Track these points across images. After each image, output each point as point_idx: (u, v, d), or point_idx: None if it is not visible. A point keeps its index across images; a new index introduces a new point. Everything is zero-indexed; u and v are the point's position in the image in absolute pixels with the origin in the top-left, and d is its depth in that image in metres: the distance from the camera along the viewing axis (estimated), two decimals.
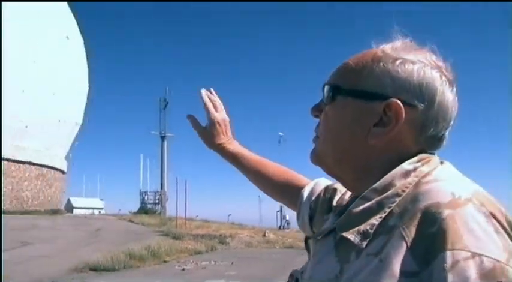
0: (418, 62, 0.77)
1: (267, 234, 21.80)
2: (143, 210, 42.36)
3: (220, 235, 19.95)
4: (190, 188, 27.26)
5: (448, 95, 0.77)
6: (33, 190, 34.64)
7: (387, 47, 0.80)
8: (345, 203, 0.92)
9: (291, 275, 0.92)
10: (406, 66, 0.76)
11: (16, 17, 31.92)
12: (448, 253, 0.61)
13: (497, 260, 0.60)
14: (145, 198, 45.86)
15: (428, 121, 0.76)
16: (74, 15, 41.35)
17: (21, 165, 33.49)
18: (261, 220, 34.97)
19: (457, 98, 0.79)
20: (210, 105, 1.33)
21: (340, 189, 1.00)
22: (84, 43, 41.85)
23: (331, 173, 0.86)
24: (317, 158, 0.85)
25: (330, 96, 0.81)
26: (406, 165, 0.75)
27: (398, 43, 0.80)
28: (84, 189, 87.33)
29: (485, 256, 0.60)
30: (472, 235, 0.62)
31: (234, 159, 1.32)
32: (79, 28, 41.59)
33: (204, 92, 1.35)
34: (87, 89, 41.60)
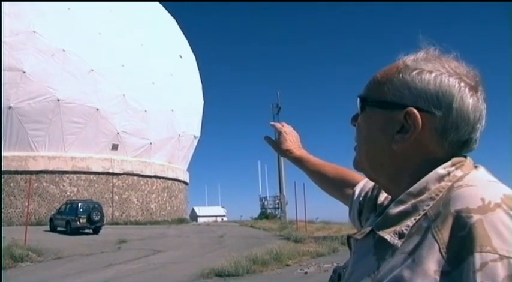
0: (435, 71, 0.81)
1: None
2: (263, 215, 43.07)
3: (342, 236, 19.43)
4: (309, 191, 26.94)
5: (467, 101, 0.79)
6: (160, 202, 36.98)
7: (409, 59, 0.85)
8: (386, 203, 1.00)
9: (334, 271, 0.95)
10: (423, 76, 0.81)
11: (134, 41, 34.36)
12: (477, 255, 0.65)
13: None
14: (265, 203, 46.65)
15: (448, 126, 0.79)
16: (184, 34, 43.76)
17: (148, 179, 35.96)
18: None
19: (483, 101, 0.82)
20: (276, 123, 1.57)
21: None
22: (196, 60, 44.12)
23: (370, 177, 0.93)
24: (357, 165, 0.92)
25: (360, 107, 0.89)
26: (440, 170, 0.79)
27: (420, 54, 0.85)
28: (206, 198, 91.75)
29: None
30: (500, 239, 0.65)
31: (299, 162, 1.47)
32: (190, 46, 43.91)
33: (272, 122, 1.63)
34: (202, 103, 43.64)
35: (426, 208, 0.76)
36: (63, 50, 31.77)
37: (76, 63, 31.88)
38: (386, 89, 0.84)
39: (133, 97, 33.89)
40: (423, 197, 0.77)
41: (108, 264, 13.41)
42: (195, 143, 42.78)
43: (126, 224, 31.44)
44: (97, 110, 32.19)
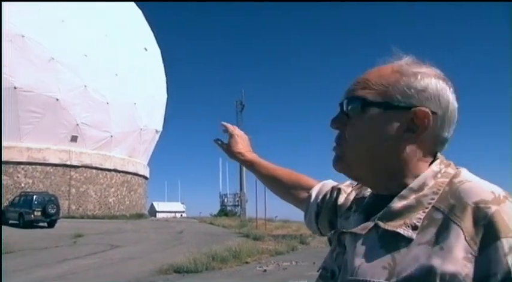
0: (432, 76, 0.87)
1: None
2: (223, 212, 43.09)
3: (301, 235, 19.67)
4: (266, 189, 27.05)
5: (455, 103, 0.88)
6: (118, 196, 36.38)
7: (402, 63, 0.90)
8: (348, 204, 1.07)
9: (325, 268, 0.95)
10: (426, 80, 0.87)
11: (98, 31, 33.61)
12: (504, 240, 0.73)
13: None
14: (225, 200, 46.69)
15: (444, 126, 0.87)
16: (150, 27, 43.10)
17: (107, 172, 35.31)
18: None
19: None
20: (228, 125, 1.58)
21: (345, 189, 1.13)
22: (161, 53, 43.52)
23: (355, 177, 0.95)
24: (345, 165, 0.92)
25: (358, 108, 0.89)
26: (435, 167, 0.86)
27: (408, 59, 0.90)
28: (166, 194, 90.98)
29: None
30: None
31: (251, 165, 1.48)
32: (156, 39, 43.28)
33: (223, 122, 1.60)
34: (165, 97, 43.12)
35: (431, 201, 0.82)
36: (23, 36, 30.70)
37: (36, 50, 30.86)
38: (391, 90, 0.87)
39: (95, 88, 33.15)
40: (425, 191, 0.83)
41: (62, 259, 13.09)
42: (157, 138, 42.30)
43: (82, 217, 30.76)
44: (57, 100, 31.29)
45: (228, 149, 1.54)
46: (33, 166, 31.31)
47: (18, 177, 30.91)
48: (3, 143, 29.93)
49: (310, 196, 1.23)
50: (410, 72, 0.88)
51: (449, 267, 0.74)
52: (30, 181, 31.13)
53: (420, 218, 0.81)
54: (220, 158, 52.61)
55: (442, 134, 0.87)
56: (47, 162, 31.67)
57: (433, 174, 0.85)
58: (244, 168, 39.10)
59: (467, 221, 0.76)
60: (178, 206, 67.21)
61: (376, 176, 0.91)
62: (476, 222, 0.76)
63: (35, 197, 23.91)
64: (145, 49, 39.22)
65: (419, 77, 0.87)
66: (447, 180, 0.84)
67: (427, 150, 0.88)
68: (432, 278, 0.75)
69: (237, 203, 43.13)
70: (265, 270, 11.21)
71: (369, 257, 0.83)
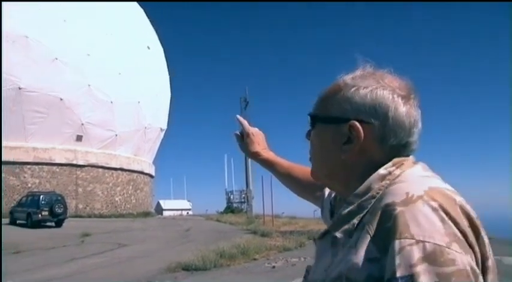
0: (370, 86, 0.91)
1: None
2: (229, 209, 43.02)
3: (309, 231, 19.60)
4: (275, 186, 27.05)
5: (401, 109, 0.90)
6: (125, 195, 36.44)
7: (347, 78, 0.95)
8: None
9: (306, 270, 1.03)
10: (361, 92, 0.91)
11: (101, 31, 33.59)
12: (397, 242, 0.74)
13: (438, 244, 0.73)
14: (231, 197, 46.57)
15: (387, 133, 0.89)
16: (153, 25, 43.06)
17: (113, 171, 35.36)
18: None
19: (416, 108, 0.93)
20: (244, 121, 1.57)
21: None
22: (164, 52, 43.51)
23: (326, 185, 1.07)
24: (313, 175, 1.03)
25: (311, 124, 1.00)
26: (382, 170, 0.88)
27: (358, 72, 0.96)
28: (172, 192, 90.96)
29: (427, 242, 0.73)
30: (417, 226, 0.75)
31: (268, 165, 1.52)
32: (158, 37, 43.24)
33: (239, 116, 1.60)
34: (169, 95, 43.15)
35: (369, 206, 0.85)
36: (26, 37, 30.73)
37: (39, 50, 30.89)
38: (331, 105, 0.95)
39: (99, 87, 33.17)
40: (367, 196, 0.87)
41: (71, 258, 13.09)
42: (162, 136, 42.33)
43: (90, 217, 30.84)
44: (61, 99, 31.33)
45: (245, 148, 1.56)
46: (40, 166, 31.39)
47: (25, 177, 31.01)
48: (10, 144, 30.03)
49: (324, 194, 1.27)
50: (349, 87, 0.93)
51: (352, 270, 0.79)
52: (37, 181, 31.22)
53: (354, 223, 0.86)
54: (226, 155, 52.61)
55: (388, 141, 0.90)
56: (53, 162, 31.75)
57: (378, 178, 0.88)
58: (250, 165, 39.21)
59: (375, 224, 0.80)
60: (184, 204, 67.23)
61: (335, 184, 0.99)
62: (381, 225, 0.79)
63: (42, 196, 23.95)
64: (148, 48, 39.20)
65: (354, 90, 0.92)
66: (389, 182, 0.87)
67: (375, 157, 0.91)
68: (338, 280, 0.81)
69: (243, 200, 43.06)
70: (273, 267, 11.14)
71: (321, 260, 0.93)
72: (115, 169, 35.40)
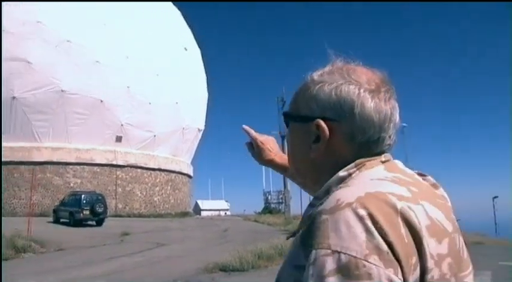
0: (335, 83, 0.89)
1: None
2: (267, 209, 42.96)
3: None
4: None
5: (368, 105, 0.86)
6: (163, 195, 36.87)
7: (316, 74, 0.93)
8: None
9: None
10: (325, 89, 0.89)
11: (139, 33, 34.13)
12: (314, 251, 0.72)
13: (354, 256, 0.69)
14: (269, 198, 46.53)
15: (355, 131, 0.86)
16: (189, 27, 43.47)
17: (152, 172, 35.84)
18: None
19: (387, 101, 0.88)
20: (250, 131, 1.50)
21: None
22: (201, 52, 43.83)
23: (300, 184, 1.07)
24: (287, 173, 1.07)
25: (285, 123, 0.99)
26: (341, 173, 0.86)
27: (327, 68, 0.93)
28: (210, 192, 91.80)
29: (343, 253, 0.70)
30: (337, 235, 0.71)
31: (283, 170, 1.45)
32: (195, 39, 43.61)
33: (244, 126, 1.54)
34: (206, 96, 43.41)
35: None
36: (68, 41, 31.58)
37: (81, 54, 31.68)
38: (300, 104, 0.93)
39: (138, 89, 33.70)
40: (324, 199, 0.81)
41: (110, 257, 13.27)
42: (199, 136, 42.62)
43: (129, 216, 31.37)
44: (101, 101, 32.02)
45: (257, 157, 1.50)
46: (82, 166, 32.17)
47: (67, 177, 31.85)
48: (54, 145, 30.98)
49: None
50: (314, 83, 0.91)
51: (282, 275, 0.80)
52: (79, 181, 32.01)
53: (305, 227, 0.81)
54: None
55: (356, 139, 0.87)
56: (94, 162, 32.48)
57: (337, 180, 0.85)
58: None
59: (304, 230, 0.77)
60: (222, 204, 67.64)
61: (308, 183, 0.98)
62: (308, 232, 0.76)
63: (83, 196, 24.50)
64: (185, 49, 39.56)
65: (318, 88, 0.90)
66: (343, 186, 0.84)
67: (343, 156, 0.88)
68: None
69: (281, 200, 42.90)
70: None
71: (286, 258, 0.89)
72: (153, 169, 35.88)
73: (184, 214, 36.86)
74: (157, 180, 36.42)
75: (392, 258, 0.71)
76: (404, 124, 47.82)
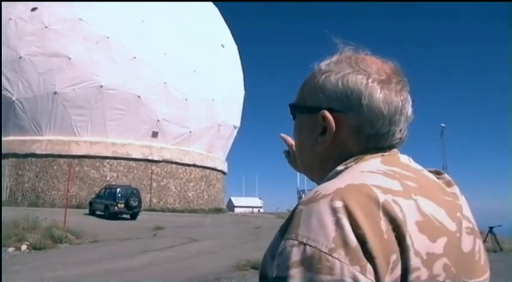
0: (342, 72, 0.85)
1: None
2: None
3: None
4: None
5: (376, 96, 0.82)
6: (197, 190, 37.06)
7: (323, 64, 0.90)
8: None
9: None
10: (331, 78, 0.85)
11: (176, 30, 34.37)
12: (283, 241, 0.71)
13: (318, 249, 0.67)
14: (302, 196, 46.08)
15: (362, 123, 0.83)
16: (227, 23, 43.50)
17: (187, 167, 36.06)
18: None
19: (398, 93, 0.84)
20: (287, 138, 1.40)
21: None
22: (238, 49, 43.79)
23: (309, 178, 0.99)
24: (295, 166, 1.04)
25: (291, 114, 0.95)
26: (340, 167, 0.83)
27: (334, 57, 0.90)
28: (243, 189, 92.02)
29: (309, 245, 0.68)
30: (306, 227, 0.70)
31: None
32: (232, 36, 43.60)
33: (282, 134, 1.54)
34: (243, 92, 43.36)
35: None
36: (107, 37, 32.11)
37: (119, 50, 32.16)
38: (306, 94, 0.90)
39: (175, 85, 33.94)
40: None
41: (144, 251, 13.33)
42: (235, 133, 42.61)
43: (163, 211, 31.66)
44: (138, 97, 32.41)
45: (293, 165, 1.42)
46: (118, 160, 32.67)
47: (104, 171, 32.42)
48: (92, 139, 31.60)
49: None
50: (321, 73, 0.87)
51: (264, 265, 0.77)
52: (115, 175, 32.53)
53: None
54: None
55: (364, 131, 0.83)
56: (130, 156, 32.93)
57: (334, 174, 0.83)
58: None
59: (285, 221, 0.76)
60: (255, 201, 67.67)
61: (314, 176, 0.94)
62: (285, 223, 0.75)
63: (118, 189, 24.83)
64: (222, 46, 39.59)
65: (325, 77, 0.86)
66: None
67: (350, 149, 0.85)
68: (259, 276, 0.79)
69: None
70: None
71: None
72: (188, 165, 36.08)
73: (218, 210, 36.94)
74: (192, 175, 36.62)
75: (361, 255, 0.67)
76: (443, 124, 46.45)
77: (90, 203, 26.18)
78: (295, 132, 0.95)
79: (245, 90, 43.80)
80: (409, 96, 0.86)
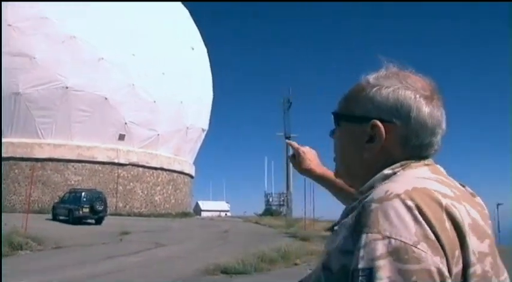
0: (393, 86, 0.93)
1: None
2: (268, 211, 42.57)
3: None
4: (315, 189, 26.38)
5: (423, 109, 0.91)
6: (164, 194, 36.58)
7: (371, 77, 0.97)
8: None
9: None
10: (383, 91, 0.93)
11: (146, 31, 33.91)
12: (364, 235, 0.77)
13: (404, 242, 0.75)
14: (270, 200, 46.18)
15: (409, 133, 0.91)
16: (197, 26, 43.19)
17: (154, 171, 35.55)
18: None
19: (439, 108, 0.94)
20: (293, 143, 1.61)
21: None
22: (208, 52, 43.53)
23: (349, 184, 1.08)
24: (336, 174, 1.06)
25: (334, 123, 1.02)
26: (386, 171, 0.91)
27: (381, 72, 0.97)
28: (211, 193, 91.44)
29: (393, 238, 0.75)
30: (387, 222, 0.77)
31: (321, 180, 1.53)
32: (202, 38, 43.32)
33: (287, 140, 1.74)
34: (211, 96, 43.13)
35: None
36: (74, 37, 31.36)
37: (86, 50, 31.46)
38: (354, 105, 0.96)
39: (143, 87, 33.45)
40: (368, 193, 0.86)
41: (109, 256, 12.95)
42: (203, 136, 42.32)
43: (129, 215, 31.07)
44: (105, 99, 31.76)
45: (298, 166, 1.57)
46: (82, 164, 31.90)
47: (68, 174, 31.59)
48: (55, 141, 30.70)
49: None
50: (371, 86, 0.94)
51: (330, 259, 0.83)
52: (79, 178, 31.74)
53: (352, 216, 0.85)
54: (266, 157, 52.38)
55: (410, 141, 0.91)
56: (96, 160, 32.21)
57: (382, 177, 0.89)
58: (291, 168, 38.58)
59: (353, 219, 0.81)
60: (222, 205, 67.31)
61: (355, 183, 0.99)
62: (357, 220, 0.80)
63: (83, 193, 24.24)
64: (192, 48, 39.28)
65: (376, 90, 0.93)
66: (388, 182, 0.88)
67: (395, 156, 0.92)
68: (320, 269, 0.86)
69: (282, 203, 42.57)
70: None
71: (326, 248, 0.93)
72: (155, 168, 35.59)
73: (185, 214, 36.55)
74: (159, 179, 36.12)
75: (440, 247, 0.76)
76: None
77: (53, 208, 25.38)
78: (339, 139, 1.01)
79: (214, 93, 43.61)
80: (444, 112, 0.95)
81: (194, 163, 42.80)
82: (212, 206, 64.65)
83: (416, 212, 0.77)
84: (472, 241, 0.81)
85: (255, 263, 10.74)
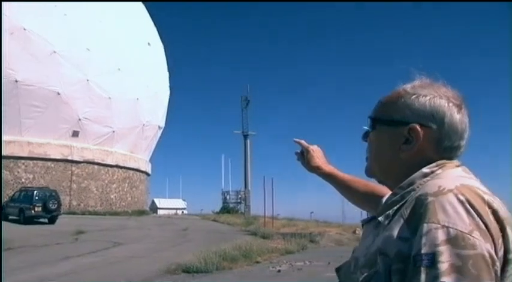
0: (429, 95, 1.06)
1: (357, 231, 20.51)
2: (225, 209, 42.45)
3: (310, 233, 19.12)
4: (274, 187, 26.54)
5: (455, 116, 1.04)
6: (120, 192, 35.81)
7: (408, 86, 1.10)
8: None
9: (353, 250, 1.15)
10: (420, 99, 1.05)
11: (101, 26, 33.04)
12: (425, 225, 0.88)
13: (460, 231, 0.85)
14: (227, 197, 46.03)
15: (442, 136, 1.03)
16: (154, 22, 42.46)
17: (109, 168, 34.73)
18: (344, 217, 33.30)
19: (466, 116, 1.06)
20: (302, 141, 1.71)
21: None
22: (164, 48, 42.87)
23: (381, 182, 1.18)
24: (369, 172, 1.17)
25: (371, 126, 1.13)
26: (425, 169, 1.02)
27: (417, 82, 1.10)
28: (167, 190, 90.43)
29: (452, 227, 0.86)
30: (444, 213, 0.88)
31: (329, 178, 1.62)
32: (159, 34, 42.63)
33: (296, 139, 1.74)
34: (168, 92, 42.54)
35: (408, 197, 0.98)
36: (24, 29, 30.09)
37: (38, 43, 30.25)
38: (392, 110, 1.08)
39: (98, 83, 32.55)
40: (409, 189, 0.99)
41: (64, 257, 12.53)
42: (159, 134, 41.71)
43: (84, 214, 30.21)
44: (58, 94, 30.69)
45: (307, 163, 1.66)
46: (34, 161, 30.72)
47: (18, 172, 30.34)
48: (5, 138, 29.35)
49: None
50: (409, 94, 1.06)
51: (386, 245, 0.92)
52: (31, 176, 30.55)
53: (395, 209, 0.98)
54: (223, 155, 52.07)
55: (443, 144, 1.03)
56: (48, 157, 31.09)
57: (421, 175, 1.01)
58: (249, 165, 38.68)
59: (408, 210, 0.93)
60: (179, 203, 66.65)
61: (388, 180, 1.12)
62: (414, 211, 0.92)
63: (35, 192, 23.38)
64: (149, 44, 38.59)
65: (414, 98, 1.05)
66: (429, 179, 0.99)
67: (429, 157, 1.04)
68: (375, 255, 0.95)
69: (239, 200, 42.54)
70: (279, 271, 10.62)
71: (365, 240, 1.06)
72: (111, 166, 34.77)
73: (141, 212, 35.93)
74: (115, 177, 35.32)
75: (489, 236, 0.87)
76: None
77: (3, 207, 24.32)
78: (374, 141, 1.13)
79: (170, 90, 43.04)
80: (469, 120, 1.07)
81: (150, 160, 42.17)
82: (169, 204, 63.90)
83: (468, 205, 0.89)
84: (509, 232, 0.92)
85: (217, 262, 10.66)
